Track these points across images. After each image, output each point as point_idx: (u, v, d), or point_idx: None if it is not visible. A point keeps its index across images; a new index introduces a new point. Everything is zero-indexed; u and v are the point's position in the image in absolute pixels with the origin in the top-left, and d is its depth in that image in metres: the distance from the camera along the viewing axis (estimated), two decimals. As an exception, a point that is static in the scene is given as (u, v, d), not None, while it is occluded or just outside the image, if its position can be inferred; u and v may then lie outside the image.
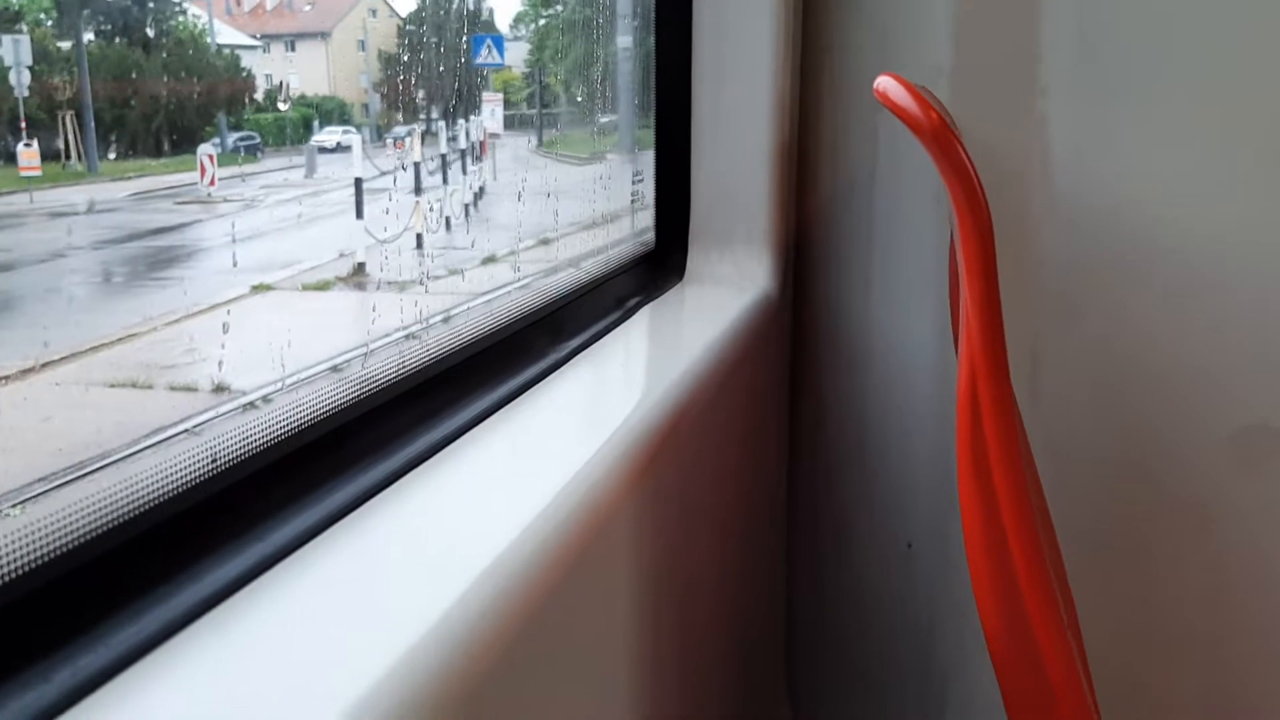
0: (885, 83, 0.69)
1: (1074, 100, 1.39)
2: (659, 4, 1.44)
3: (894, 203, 1.49)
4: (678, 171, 1.44)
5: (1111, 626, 1.39)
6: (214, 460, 0.65)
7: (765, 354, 1.45)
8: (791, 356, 1.56)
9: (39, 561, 0.53)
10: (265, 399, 0.79)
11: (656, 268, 1.42)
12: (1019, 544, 0.63)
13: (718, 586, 1.23)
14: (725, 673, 1.32)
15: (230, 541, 0.62)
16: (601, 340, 1.11)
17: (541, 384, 0.96)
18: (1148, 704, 1.47)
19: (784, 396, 1.56)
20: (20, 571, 0.52)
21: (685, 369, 1.04)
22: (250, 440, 0.69)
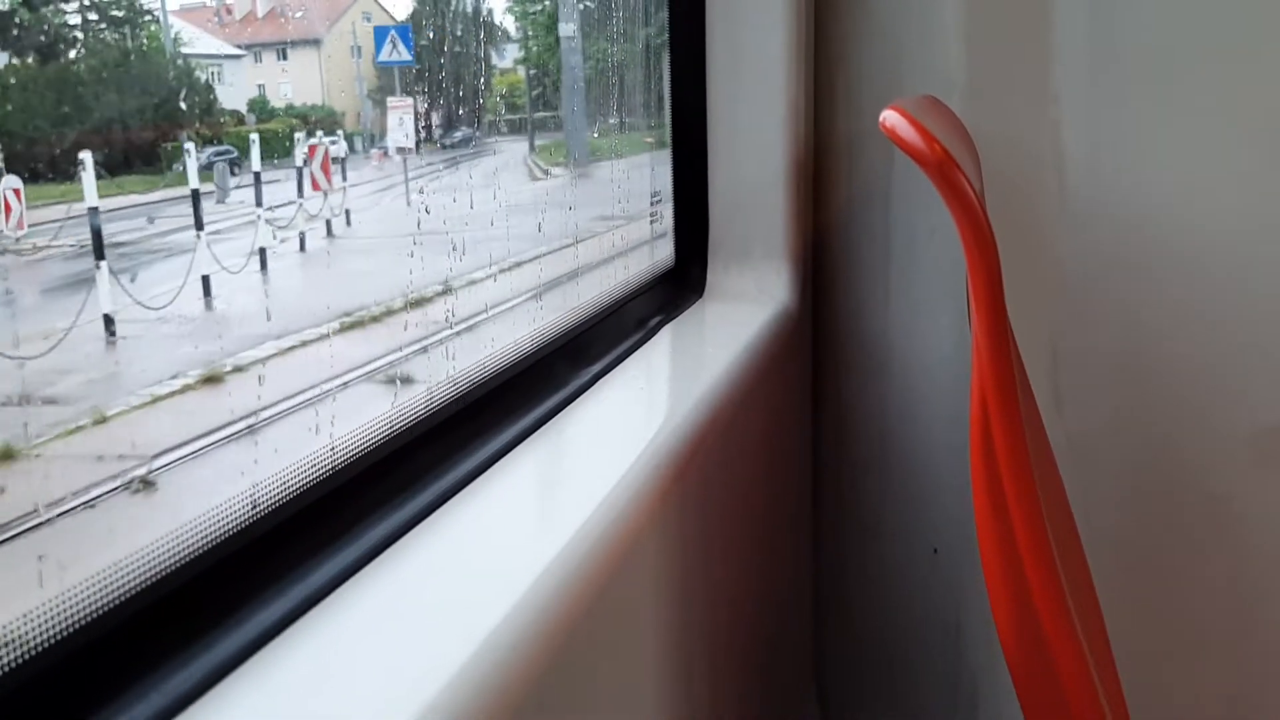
0: (890, 116, 0.71)
1: (1087, 106, 1.40)
2: (672, 22, 1.46)
3: (910, 211, 1.50)
4: (695, 188, 1.45)
5: (1136, 627, 1.40)
6: (255, 505, 0.67)
7: (786, 368, 1.46)
8: (813, 367, 1.57)
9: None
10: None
11: (677, 285, 1.44)
12: (1035, 570, 0.65)
13: (746, 597, 1.25)
14: (756, 679, 1.33)
15: (274, 583, 0.65)
16: (624, 363, 1.13)
17: (566, 411, 0.99)
18: (1174, 704, 1.48)
19: (806, 408, 1.57)
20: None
21: (707, 389, 1.06)
22: (292, 483, 0.71)
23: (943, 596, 1.55)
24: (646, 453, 0.88)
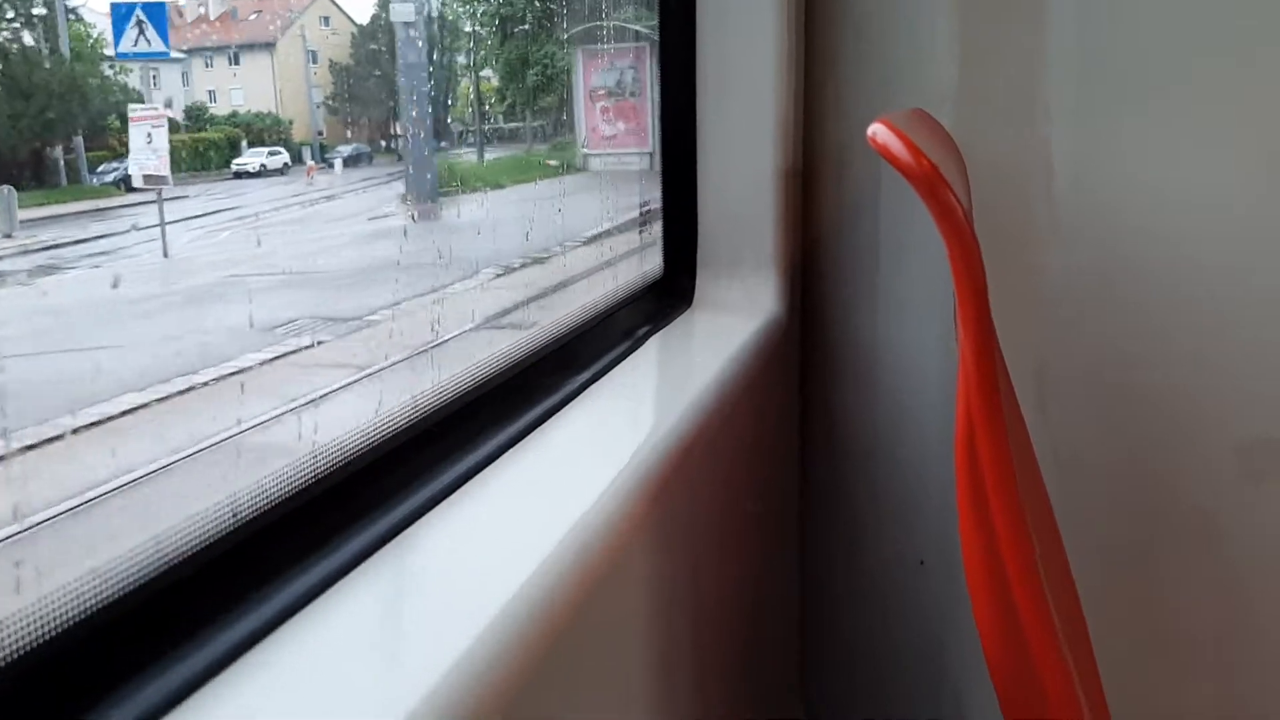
0: (878, 130, 0.71)
1: (1077, 120, 1.41)
2: (663, 31, 1.46)
3: (899, 222, 1.51)
4: (684, 198, 1.45)
5: (1121, 638, 1.40)
6: (234, 515, 0.67)
7: (774, 378, 1.46)
8: (801, 377, 1.57)
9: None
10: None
11: (665, 295, 1.43)
12: (1019, 583, 0.65)
13: (732, 608, 1.25)
14: (742, 690, 1.33)
15: (257, 589, 0.65)
16: (611, 372, 1.13)
17: (553, 419, 0.99)
18: (1159, 715, 1.48)
19: (794, 417, 1.57)
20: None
21: (694, 399, 1.06)
22: (276, 489, 0.71)
23: (929, 608, 1.55)
24: (632, 463, 0.88)
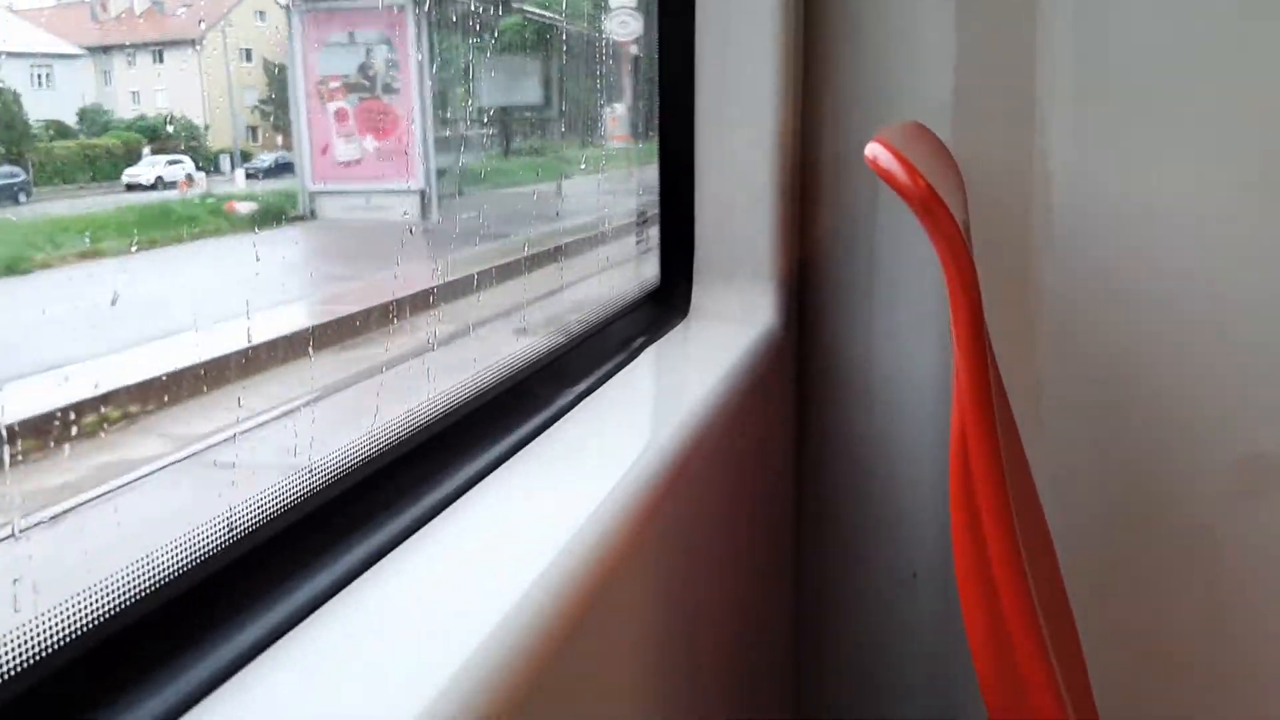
0: (875, 149, 0.72)
1: (1073, 134, 1.42)
2: (662, 45, 1.47)
3: (896, 234, 1.51)
4: (682, 207, 1.46)
5: (1114, 653, 1.41)
6: (231, 528, 0.67)
7: (770, 390, 1.46)
8: (797, 389, 1.58)
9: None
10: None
11: (661, 305, 1.44)
12: (1011, 599, 0.65)
13: (727, 620, 1.25)
14: (737, 701, 1.33)
15: (255, 602, 0.65)
16: (608, 384, 1.13)
17: (549, 432, 0.99)
18: (1153, 730, 1.49)
19: (790, 430, 1.58)
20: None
21: (690, 411, 1.06)
22: (274, 502, 0.71)
23: (922, 620, 1.55)
24: (629, 475, 0.89)
